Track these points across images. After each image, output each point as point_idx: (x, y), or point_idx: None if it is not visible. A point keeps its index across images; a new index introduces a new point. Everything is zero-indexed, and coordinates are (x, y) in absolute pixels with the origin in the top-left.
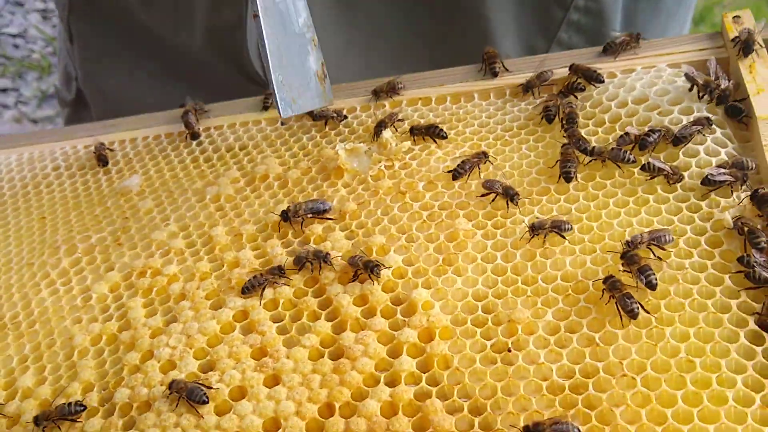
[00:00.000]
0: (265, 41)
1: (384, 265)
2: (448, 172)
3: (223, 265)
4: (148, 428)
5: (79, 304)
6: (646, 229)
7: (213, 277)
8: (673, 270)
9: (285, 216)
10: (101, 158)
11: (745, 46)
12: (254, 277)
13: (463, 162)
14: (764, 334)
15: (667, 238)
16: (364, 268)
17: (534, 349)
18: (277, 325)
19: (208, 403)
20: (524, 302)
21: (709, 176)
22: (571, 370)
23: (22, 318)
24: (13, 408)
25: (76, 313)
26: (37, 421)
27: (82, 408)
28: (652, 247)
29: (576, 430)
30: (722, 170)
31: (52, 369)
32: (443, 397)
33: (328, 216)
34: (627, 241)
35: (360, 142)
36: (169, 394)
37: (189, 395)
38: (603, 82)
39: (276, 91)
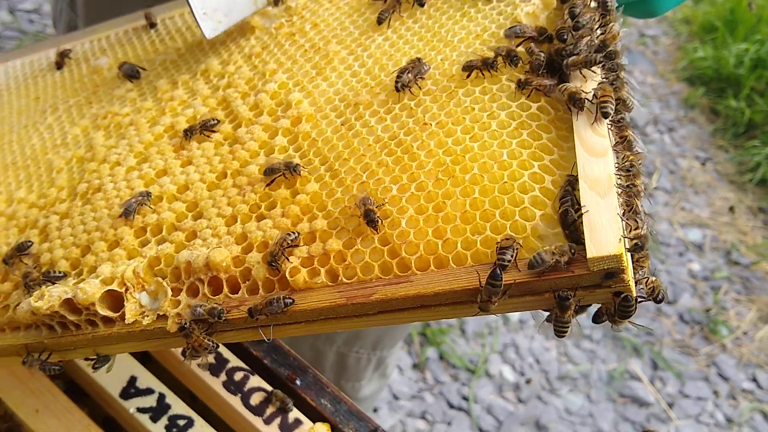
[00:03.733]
0: None
1: None
2: None
3: (161, 101)
4: (96, 201)
5: (59, 143)
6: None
7: (153, 110)
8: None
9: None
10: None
11: None
12: None
13: None
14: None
15: (425, 69)
16: None
17: (368, 119)
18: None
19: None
20: (368, 91)
21: None
22: (390, 128)
23: (19, 159)
24: (10, 210)
25: (57, 149)
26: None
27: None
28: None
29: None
30: None
31: (38, 184)
32: (302, 157)
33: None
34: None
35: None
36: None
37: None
38: None
39: (198, 21)
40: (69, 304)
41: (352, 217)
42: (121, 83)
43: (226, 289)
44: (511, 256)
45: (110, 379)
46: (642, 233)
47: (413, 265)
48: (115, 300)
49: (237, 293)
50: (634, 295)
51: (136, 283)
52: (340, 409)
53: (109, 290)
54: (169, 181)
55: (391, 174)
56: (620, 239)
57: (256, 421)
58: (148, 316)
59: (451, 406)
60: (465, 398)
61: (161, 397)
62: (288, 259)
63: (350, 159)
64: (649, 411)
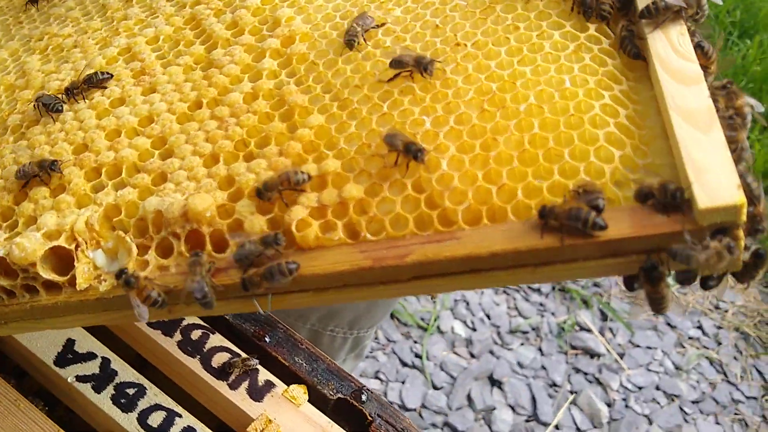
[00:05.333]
0: None
1: None
2: None
3: (113, 21)
4: (35, 136)
5: None
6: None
7: (103, 30)
8: None
9: None
10: None
11: None
12: None
13: None
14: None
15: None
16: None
17: (381, 38)
18: (156, 53)
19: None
20: (377, 6)
21: None
22: (413, 48)
23: None
24: None
25: None
26: None
27: None
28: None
29: None
30: None
31: None
32: (299, 84)
33: None
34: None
35: None
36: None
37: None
38: None
39: None
40: (2, 265)
41: (373, 157)
42: (60, 3)
43: (209, 246)
44: (603, 203)
45: (42, 343)
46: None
47: (460, 217)
48: (62, 260)
49: (224, 252)
50: (741, 257)
51: (89, 238)
52: (317, 368)
53: (54, 247)
54: (128, 112)
55: (421, 104)
56: (738, 186)
57: (220, 386)
58: (105, 280)
59: (404, 365)
60: (418, 356)
61: (105, 362)
62: (285, 204)
63: (363, 86)
64: (600, 362)
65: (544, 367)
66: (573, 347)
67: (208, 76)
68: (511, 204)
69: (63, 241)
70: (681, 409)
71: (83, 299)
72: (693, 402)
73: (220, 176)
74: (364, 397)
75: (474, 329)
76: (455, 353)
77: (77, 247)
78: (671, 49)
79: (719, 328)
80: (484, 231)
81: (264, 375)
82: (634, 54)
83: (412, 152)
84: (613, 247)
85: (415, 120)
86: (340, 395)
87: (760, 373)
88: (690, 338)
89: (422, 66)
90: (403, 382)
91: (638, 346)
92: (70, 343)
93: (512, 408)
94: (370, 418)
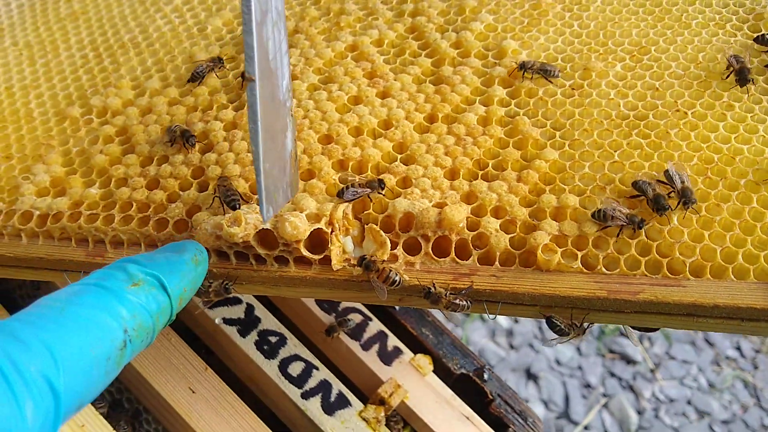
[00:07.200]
0: (258, 122)
1: None
2: None
3: (329, 12)
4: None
5: (195, 32)
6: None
7: (323, 21)
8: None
9: None
10: None
11: None
12: None
13: None
14: None
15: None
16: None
17: (605, 89)
18: (383, 57)
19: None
20: (597, 57)
21: None
22: (635, 105)
23: (141, 39)
24: (144, 101)
25: (193, 39)
26: None
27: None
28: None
29: None
30: None
31: (175, 77)
32: (530, 116)
33: None
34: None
35: None
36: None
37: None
38: None
39: (263, 196)
40: (261, 235)
41: (609, 200)
42: None
43: (453, 253)
44: None
45: None
46: None
47: (687, 268)
48: (311, 239)
49: (467, 260)
50: None
51: (342, 225)
52: (443, 341)
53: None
54: (368, 112)
55: (650, 160)
56: None
57: (353, 345)
58: (356, 265)
59: None
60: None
61: (249, 308)
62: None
63: (593, 131)
64: (635, 369)
65: (580, 367)
66: (611, 351)
67: (441, 91)
68: (732, 265)
69: (323, 224)
70: (710, 427)
71: (332, 278)
72: (723, 422)
73: (463, 191)
74: (486, 376)
75: (516, 321)
76: (495, 342)
77: (332, 231)
78: None
79: (758, 351)
80: (708, 284)
81: (393, 341)
82: None
83: (659, 206)
84: None
85: (645, 173)
86: (463, 371)
87: None
88: (727, 358)
89: (636, 224)
90: None
91: (674, 358)
92: None
93: (545, 403)
94: (490, 396)
